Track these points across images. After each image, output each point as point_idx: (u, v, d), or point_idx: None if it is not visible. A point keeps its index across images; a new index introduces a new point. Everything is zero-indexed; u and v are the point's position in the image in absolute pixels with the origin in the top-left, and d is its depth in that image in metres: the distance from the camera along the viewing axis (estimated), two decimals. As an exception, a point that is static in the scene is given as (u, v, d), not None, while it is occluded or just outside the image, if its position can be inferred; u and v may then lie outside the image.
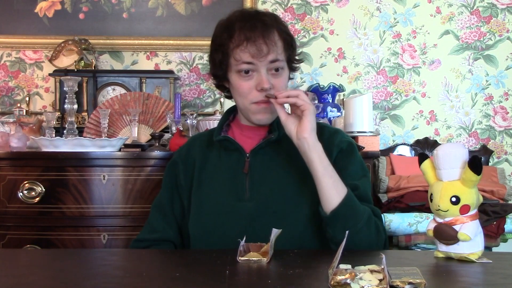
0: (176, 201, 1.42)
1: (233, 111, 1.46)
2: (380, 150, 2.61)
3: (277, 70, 1.32)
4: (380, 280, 0.85)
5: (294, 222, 1.30)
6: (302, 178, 1.30)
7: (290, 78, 1.41)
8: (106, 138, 2.26)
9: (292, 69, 1.40)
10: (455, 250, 1.06)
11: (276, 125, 1.36)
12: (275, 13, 2.88)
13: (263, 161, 1.35)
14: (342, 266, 0.90)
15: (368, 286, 0.84)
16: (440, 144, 2.61)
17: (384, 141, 2.93)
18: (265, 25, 1.30)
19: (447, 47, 2.96)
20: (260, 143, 1.36)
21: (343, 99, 2.74)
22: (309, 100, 1.26)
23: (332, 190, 1.24)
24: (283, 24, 1.36)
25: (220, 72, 1.36)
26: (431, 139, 2.91)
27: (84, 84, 2.63)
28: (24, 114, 2.60)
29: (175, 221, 1.42)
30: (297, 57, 1.40)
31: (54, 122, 2.45)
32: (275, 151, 1.36)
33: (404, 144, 2.90)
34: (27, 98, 2.82)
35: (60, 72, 2.63)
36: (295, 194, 1.32)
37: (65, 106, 2.35)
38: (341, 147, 1.36)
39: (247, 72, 1.30)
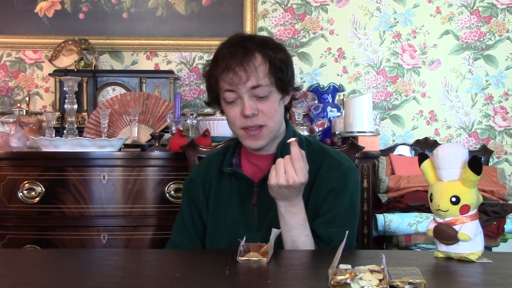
0: (196, 217, 1.45)
1: None
2: (380, 150, 2.61)
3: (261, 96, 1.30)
4: (380, 280, 0.85)
5: None
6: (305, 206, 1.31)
7: (288, 102, 1.39)
8: (106, 138, 2.26)
9: (285, 91, 1.34)
10: (455, 250, 1.06)
11: (279, 153, 1.35)
12: (274, 14, 2.91)
13: None
14: (342, 266, 0.90)
15: (368, 286, 0.84)
16: (440, 144, 2.61)
17: (384, 141, 2.93)
18: (246, 50, 1.28)
19: (447, 47, 2.96)
20: (266, 174, 1.34)
21: (343, 99, 2.74)
22: (299, 154, 1.21)
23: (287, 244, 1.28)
24: (274, 47, 1.32)
25: (211, 100, 1.39)
26: (431, 139, 2.91)
27: (84, 84, 2.63)
28: (24, 114, 2.60)
29: (197, 236, 1.44)
30: (294, 85, 1.36)
31: (54, 122, 2.45)
32: None
33: (404, 144, 2.90)
34: (27, 98, 2.82)
35: (60, 72, 2.63)
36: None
37: (65, 106, 2.35)
38: (332, 187, 1.34)
39: (232, 100, 1.31)
